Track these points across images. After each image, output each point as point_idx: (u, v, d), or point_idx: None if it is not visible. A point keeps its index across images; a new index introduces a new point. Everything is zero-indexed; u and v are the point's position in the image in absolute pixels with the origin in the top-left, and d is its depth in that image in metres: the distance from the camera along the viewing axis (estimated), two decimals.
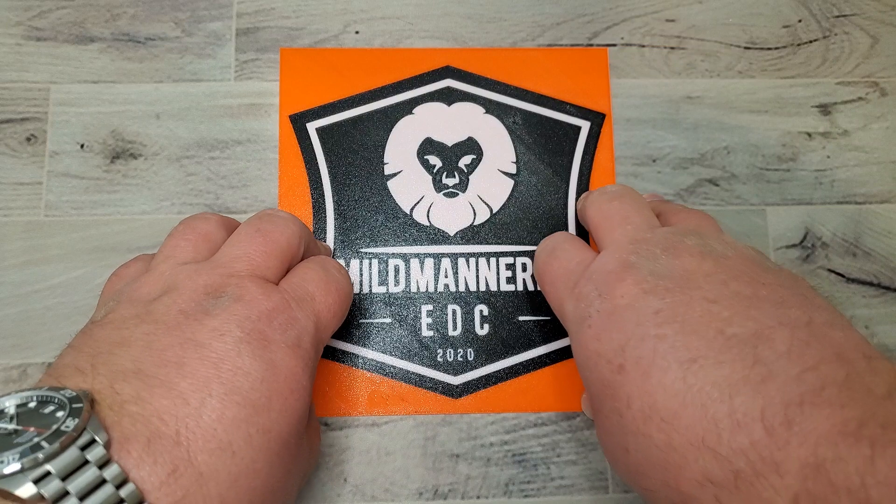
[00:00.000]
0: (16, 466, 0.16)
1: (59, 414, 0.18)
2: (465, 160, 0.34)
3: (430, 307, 0.32)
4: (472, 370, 0.32)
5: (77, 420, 0.17)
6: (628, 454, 0.21)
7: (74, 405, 0.18)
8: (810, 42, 0.36)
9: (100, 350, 0.20)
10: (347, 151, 0.34)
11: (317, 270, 0.25)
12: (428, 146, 0.34)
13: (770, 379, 0.18)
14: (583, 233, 0.33)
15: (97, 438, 0.17)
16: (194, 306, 0.21)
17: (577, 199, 0.34)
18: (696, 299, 0.21)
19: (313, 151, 0.34)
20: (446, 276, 0.33)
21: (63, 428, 0.17)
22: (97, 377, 0.19)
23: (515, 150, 0.34)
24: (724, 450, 0.18)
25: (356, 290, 0.32)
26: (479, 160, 0.34)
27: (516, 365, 0.32)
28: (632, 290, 0.22)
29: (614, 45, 0.36)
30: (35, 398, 0.18)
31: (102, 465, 0.17)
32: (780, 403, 0.18)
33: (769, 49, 0.36)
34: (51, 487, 0.17)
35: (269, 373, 0.21)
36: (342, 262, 0.33)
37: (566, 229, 0.33)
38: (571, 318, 0.24)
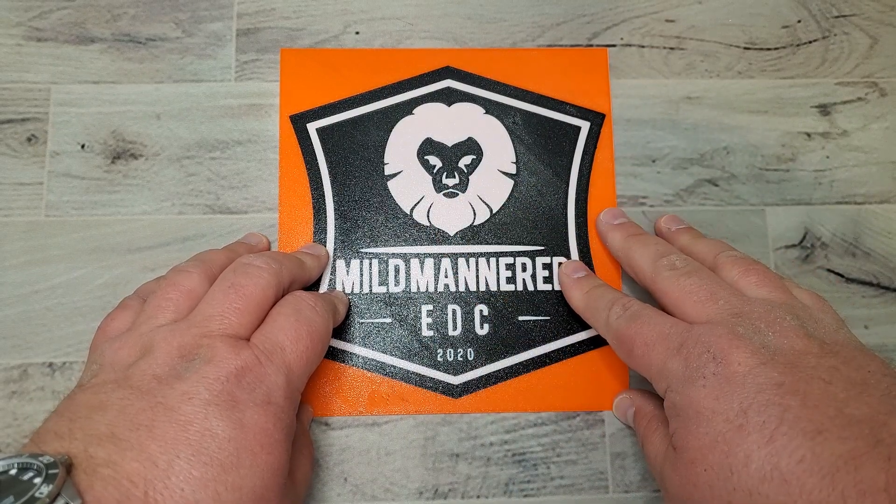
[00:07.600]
0: None
1: (37, 480, 0.19)
2: (465, 160, 0.34)
3: (430, 307, 0.32)
4: (472, 370, 0.32)
5: (51, 486, 0.18)
6: None
7: (50, 471, 0.19)
8: (810, 42, 0.36)
9: (78, 415, 0.22)
10: (348, 152, 0.34)
11: (288, 316, 0.26)
12: (428, 146, 0.34)
13: (892, 458, 0.20)
14: (582, 234, 0.33)
15: (70, 503, 0.18)
16: (168, 370, 0.23)
17: (576, 200, 0.34)
18: (813, 378, 0.22)
19: (313, 152, 0.34)
20: (446, 276, 0.33)
21: (37, 494, 0.18)
22: (73, 441, 0.21)
23: (515, 151, 0.34)
24: None
25: (356, 290, 0.32)
26: (479, 160, 0.34)
27: (516, 365, 0.32)
28: (749, 359, 0.23)
29: (614, 45, 0.36)
30: (16, 465, 0.19)
31: None
32: None
33: (769, 49, 0.36)
34: None
35: (237, 432, 0.22)
36: (342, 262, 0.33)
37: (566, 229, 0.33)
38: (678, 375, 0.25)
